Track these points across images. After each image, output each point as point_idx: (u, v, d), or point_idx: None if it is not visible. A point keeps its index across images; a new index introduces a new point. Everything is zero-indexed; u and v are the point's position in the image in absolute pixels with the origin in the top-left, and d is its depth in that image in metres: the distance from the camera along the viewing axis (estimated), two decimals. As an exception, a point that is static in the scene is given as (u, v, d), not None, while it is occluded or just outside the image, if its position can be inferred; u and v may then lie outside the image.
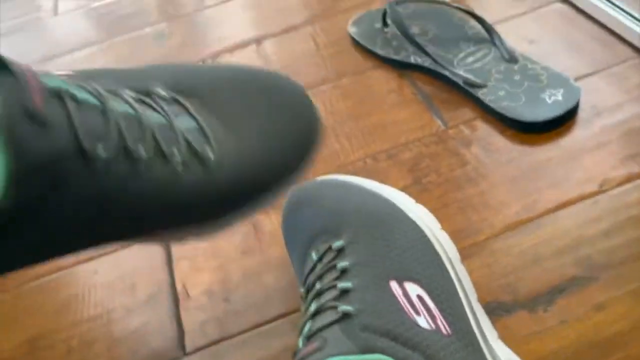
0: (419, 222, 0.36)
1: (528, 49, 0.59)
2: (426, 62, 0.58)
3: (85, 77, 0.30)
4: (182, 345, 0.43)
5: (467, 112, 0.55)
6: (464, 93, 0.55)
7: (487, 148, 0.51)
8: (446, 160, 0.51)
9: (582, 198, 0.45)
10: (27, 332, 0.46)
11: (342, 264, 0.33)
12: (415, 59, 0.59)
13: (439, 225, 0.37)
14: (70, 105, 0.25)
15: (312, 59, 0.65)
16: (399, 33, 0.61)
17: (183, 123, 0.32)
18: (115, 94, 0.29)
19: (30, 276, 0.50)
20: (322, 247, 0.36)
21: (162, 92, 0.32)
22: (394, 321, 0.30)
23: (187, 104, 0.32)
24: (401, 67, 0.61)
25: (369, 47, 0.63)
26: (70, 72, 0.31)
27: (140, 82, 0.32)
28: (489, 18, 0.63)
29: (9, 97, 0.22)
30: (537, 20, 0.63)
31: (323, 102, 0.59)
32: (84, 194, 0.26)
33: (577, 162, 0.48)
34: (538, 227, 0.44)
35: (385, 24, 0.64)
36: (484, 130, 0.53)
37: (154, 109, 0.31)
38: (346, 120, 0.57)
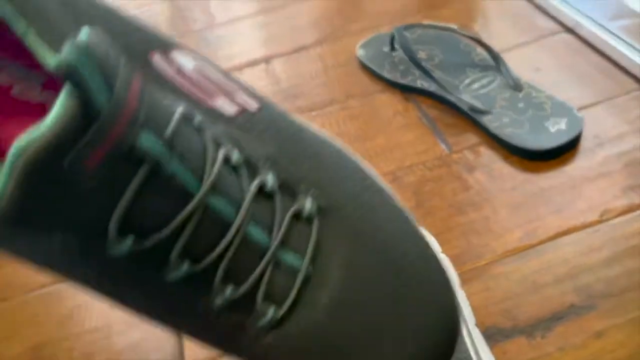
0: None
1: (533, 78, 0.60)
2: (432, 87, 0.59)
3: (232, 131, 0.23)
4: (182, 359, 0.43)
5: (471, 138, 0.55)
6: (469, 118, 0.56)
7: (490, 174, 0.52)
8: (450, 184, 0.52)
9: (583, 227, 0.46)
10: (30, 341, 0.46)
11: None
12: (421, 83, 0.60)
13: (439, 249, 0.38)
14: (137, 179, 0.19)
15: (321, 80, 0.66)
16: (406, 57, 0.62)
17: (288, 258, 0.24)
18: (250, 172, 0.23)
19: (36, 285, 0.50)
20: None
21: (308, 207, 0.24)
22: None
23: (313, 238, 0.24)
24: (407, 91, 0.61)
25: (377, 70, 0.64)
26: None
27: (294, 172, 0.25)
28: (495, 45, 0.64)
29: (61, 131, 0.16)
30: (543, 50, 0.64)
31: (330, 123, 0.60)
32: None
33: (578, 190, 0.49)
34: (539, 254, 0.45)
35: (393, 48, 0.65)
36: (488, 156, 0.53)
37: (272, 217, 0.23)
38: (353, 142, 0.58)
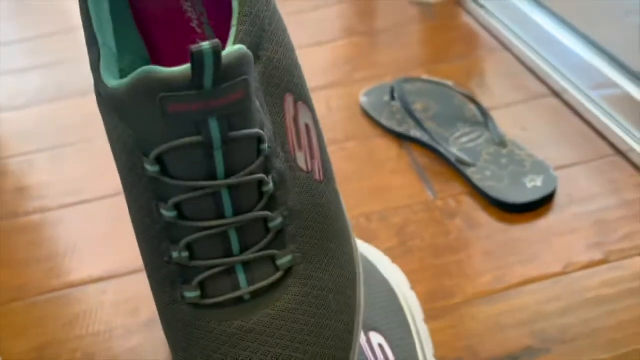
0: (390, 280, 0.41)
1: (519, 136, 0.65)
2: (424, 137, 0.64)
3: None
4: (173, 367, 0.47)
5: (456, 187, 0.60)
6: (455, 169, 0.61)
7: (469, 222, 0.56)
8: (431, 228, 0.56)
9: (546, 277, 0.50)
10: (36, 341, 0.51)
11: None
12: (414, 132, 0.65)
13: (409, 285, 0.43)
14: (186, 140, 0.25)
15: (324, 121, 0.71)
16: (402, 108, 0.67)
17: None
18: None
19: (47, 289, 0.55)
20: None
21: (286, 260, 0.30)
22: None
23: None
24: (402, 139, 0.67)
25: (376, 117, 0.69)
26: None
27: (296, 232, 0.30)
28: (487, 103, 0.70)
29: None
30: (531, 111, 0.69)
31: (328, 162, 0.65)
32: None
33: (547, 243, 0.53)
34: (504, 299, 0.49)
35: (392, 98, 0.71)
36: (469, 205, 0.58)
37: None
38: (347, 181, 0.63)
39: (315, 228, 0.30)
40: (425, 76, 0.71)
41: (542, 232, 0.55)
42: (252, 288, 0.28)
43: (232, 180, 0.26)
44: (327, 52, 0.85)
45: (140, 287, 0.54)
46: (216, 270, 0.28)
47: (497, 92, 0.73)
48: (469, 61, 0.79)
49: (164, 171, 0.26)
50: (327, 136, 0.69)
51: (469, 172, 0.60)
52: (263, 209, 0.28)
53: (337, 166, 0.65)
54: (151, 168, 0.26)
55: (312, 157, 0.30)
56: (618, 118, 0.62)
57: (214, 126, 0.25)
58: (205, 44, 0.22)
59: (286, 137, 0.28)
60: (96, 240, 0.60)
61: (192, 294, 0.29)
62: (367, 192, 0.61)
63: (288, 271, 0.29)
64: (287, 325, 0.28)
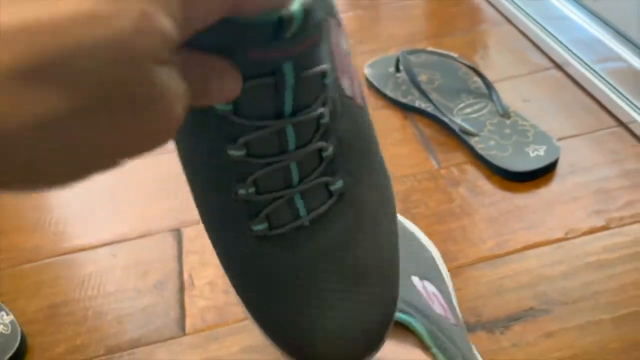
0: (427, 246, 0.44)
1: (522, 107, 0.66)
2: (429, 108, 0.65)
3: None
4: (182, 326, 0.49)
5: (459, 156, 0.61)
6: (459, 139, 0.62)
7: (473, 190, 0.58)
8: (435, 196, 0.57)
9: (548, 242, 0.52)
10: (49, 299, 0.52)
11: None
12: (419, 103, 0.66)
13: (439, 253, 0.46)
14: (267, 80, 0.25)
15: (329, 93, 0.72)
16: (408, 79, 0.68)
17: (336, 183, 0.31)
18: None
19: (61, 251, 0.56)
20: None
21: (338, 185, 0.31)
22: (416, 299, 0.37)
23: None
24: (406, 110, 0.67)
25: (380, 88, 0.70)
26: None
27: (342, 162, 0.31)
28: (491, 75, 0.70)
29: None
30: (534, 83, 0.70)
31: (333, 132, 0.66)
32: None
33: (549, 211, 0.54)
34: (506, 263, 0.50)
35: (397, 69, 0.71)
36: (473, 173, 0.59)
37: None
38: (352, 150, 0.64)
39: (361, 153, 0.31)
40: (430, 48, 0.71)
41: (544, 200, 0.56)
42: (312, 215, 0.30)
43: (299, 118, 0.27)
44: (332, 24, 0.85)
45: (150, 250, 0.55)
46: (279, 202, 0.29)
47: (500, 64, 0.73)
48: (472, 34, 0.79)
49: (235, 111, 0.26)
50: (332, 107, 0.70)
51: (473, 141, 0.60)
52: (320, 140, 0.29)
53: (342, 136, 0.66)
54: (223, 107, 0.26)
55: (352, 82, 0.30)
56: (620, 90, 0.63)
57: (288, 69, 0.25)
58: (296, 7, 0.22)
59: (334, 63, 0.28)
60: (106, 204, 0.61)
61: (260, 227, 0.30)
62: (372, 161, 0.62)
63: (341, 196, 0.30)
64: (347, 243, 0.30)
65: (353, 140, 0.30)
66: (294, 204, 0.29)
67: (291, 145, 0.28)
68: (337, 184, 0.30)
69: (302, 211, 0.30)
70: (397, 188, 0.59)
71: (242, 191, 0.29)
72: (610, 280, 0.48)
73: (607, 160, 0.59)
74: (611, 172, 0.58)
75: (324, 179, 0.30)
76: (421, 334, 0.37)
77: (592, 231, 0.52)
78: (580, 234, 0.52)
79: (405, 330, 0.37)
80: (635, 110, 0.61)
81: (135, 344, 0.48)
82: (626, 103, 0.62)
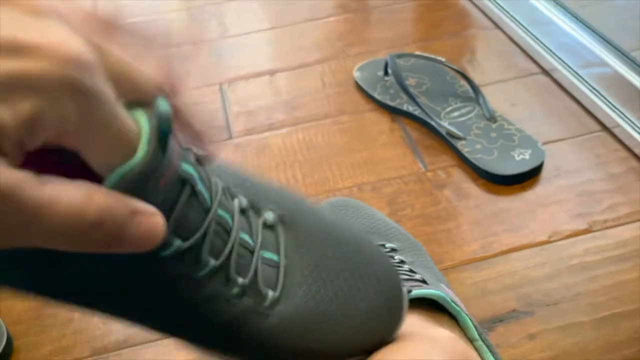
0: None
1: (508, 111, 0.67)
2: (416, 111, 0.66)
3: (214, 169, 0.30)
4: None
5: (446, 159, 0.62)
6: (446, 142, 0.63)
7: (458, 192, 0.58)
8: (421, 198, 0.58)
9: (532, 245, 0.52)
10: (35, 300, 0.52)
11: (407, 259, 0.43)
12: (407, 107, 0.67)
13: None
14: (184, 196, 0.25)
15: (318, 95, 0.72)
16: (396, 82, 0.68)
17: (266, 254, 0.31)
18: (230, 196, 0.30)
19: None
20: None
21: (270, 217, 0.31)
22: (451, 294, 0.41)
23: (282, 239, 0.32)
24: (394, 113, 0.68)
25: (369, 91, 0.70)
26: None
27: (258, 197, 0.32)
28: (479, 79, 0.71)
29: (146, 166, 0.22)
30: (521, 87, 0.70)
31: (322, 134, 0.66)
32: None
33: (533, 214, 0.55)
34: (490, 265, 0.51)
35: (386, 72, 0.72)
36: (458, 176, 0.60)
37: (250, 227, 0.30)
38: (340, 153, 0.64)
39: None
40: (418, 52, 0.72)
41: (529, 203, 0.56)
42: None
43: (218, 198, 0.28)
44: (321, 28, 0.85)
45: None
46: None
47: (488, 69, 0.74)
48: (461, 39, 0.80)
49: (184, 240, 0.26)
50: (321, 110, 0.70)
51: (459, 145, 0.61)
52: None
53: (330, 139, 0.66)
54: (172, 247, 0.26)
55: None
56: (605, 95, 0.64)
57: (188, 167, 0.26)
58: (162, 116, 0.22)
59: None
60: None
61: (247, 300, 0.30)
62: (359, 164, 0.63)
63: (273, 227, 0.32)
64: (327, 242, 0.32)
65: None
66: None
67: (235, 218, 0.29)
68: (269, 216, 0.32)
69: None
70: (384, 190, 0.59)
71: (241, 280, 0.29)
72: (591, 282, 0.49)
73: (591, 164, 0.60)
74: (595, 176, 0.58)
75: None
76: (468, 326, 0.38)
77: (575, 234, 0.53)
78: (564, 236, 0.53)
79: (439, 324, 0.38)
80: (619, 115, 0.62)
81: (121, 345, 0.48)
82: (610, 108, 0.63)
